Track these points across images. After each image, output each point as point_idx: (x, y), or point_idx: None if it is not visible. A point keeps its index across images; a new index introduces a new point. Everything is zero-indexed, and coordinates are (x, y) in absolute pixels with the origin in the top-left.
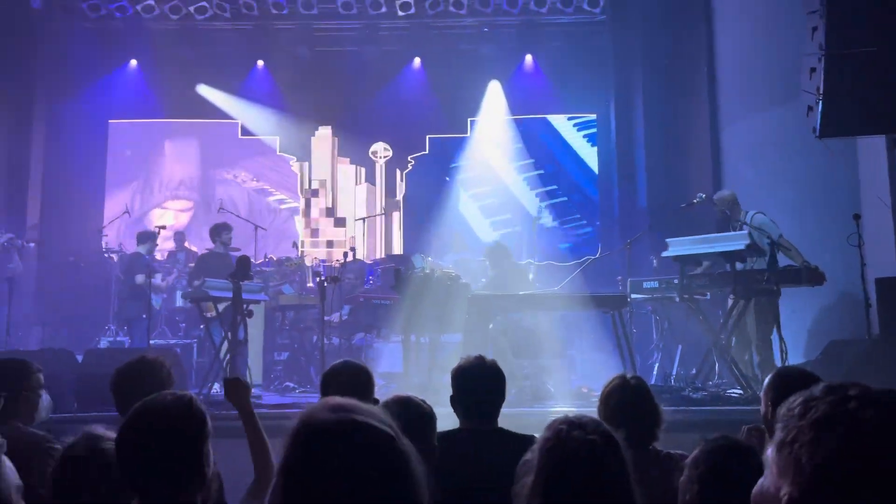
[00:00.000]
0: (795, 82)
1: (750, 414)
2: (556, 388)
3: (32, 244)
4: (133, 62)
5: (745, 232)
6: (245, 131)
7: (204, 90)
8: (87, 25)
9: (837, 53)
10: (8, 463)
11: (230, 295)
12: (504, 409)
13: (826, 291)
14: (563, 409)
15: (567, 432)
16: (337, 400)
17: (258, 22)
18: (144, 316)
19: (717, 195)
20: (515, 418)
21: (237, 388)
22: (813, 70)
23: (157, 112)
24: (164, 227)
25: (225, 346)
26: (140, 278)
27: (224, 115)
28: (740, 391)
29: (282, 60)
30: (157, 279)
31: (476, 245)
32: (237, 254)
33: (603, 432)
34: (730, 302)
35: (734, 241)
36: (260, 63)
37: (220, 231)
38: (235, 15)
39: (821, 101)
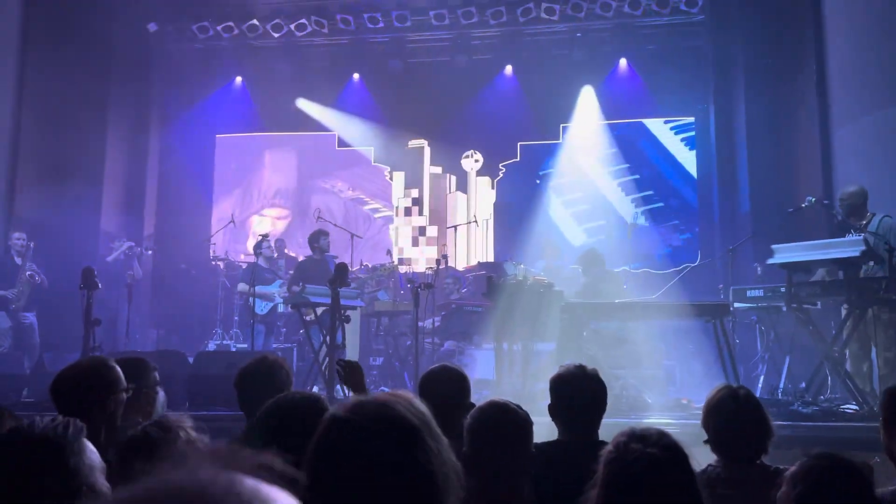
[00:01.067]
0: None
1: (865, 431)
2: (654, 399)
3: (150, 252)
4: (238, 79)
5: (861, 238)
6: (341, 143)
7: (302, 104)
8: (196, 46)
9: None
10: (89, 445)
11: (328, 301)
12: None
13: None
14: (660, 420)
15: (626, 445)
16: (373, 395)
17: (354, 36)
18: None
19: (844, 190)
20: (612, 428)
21: (353, 371)
22: None
23: (259, 125)
24: (266, 236)
25: (324, 350)
26: (242, 286)
27: (321, 128)
28: (856, 407)
29: (376, 73)
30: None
31: (568, 252)
32: (335, 261)
33: (666, 445)
34: (843, 312)
35: (848, 247)
36: (356, 76)
37: (318, 237)
38: (333, 30)
39: None
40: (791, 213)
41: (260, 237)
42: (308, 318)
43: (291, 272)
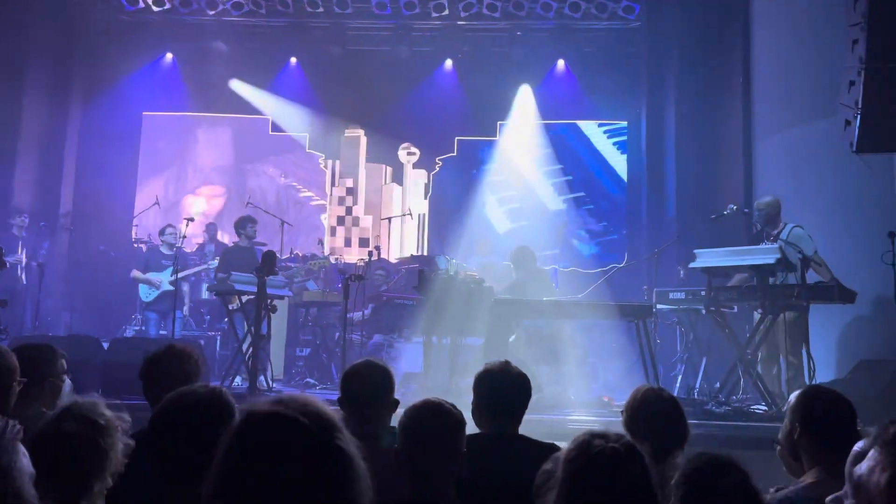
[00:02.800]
0: (834, 96)
1: (773, 431)
2: (577, 396)
3: (67, 230)
4: (168, 56)
5: (777, 246)
6: (275, 127)
7: (237, 85)
8: (124, 18)
9: (878, 67)
10: (22, 449)
11: (254, 289)
12: (526, 416)
13: (858, 309)
14: (582, 417)
15: (589, 441)
16: (285, 395)
17: (293, 19)
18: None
19: (760, 200)
20: (534, 425)
21: None
22: (852, 84)
23: (190, 105)
24: (192, 220)
25: (248, 339)
26: (133, 272)
27: (255, 111)
28: (765, 407)
29: (314, 58)
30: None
31: (500, 249)
32: (263, 248)
33: (626, 442)
34: (757, 316)
35: (764, 254)
36: (293, 60)
37: (244, 224)
38: (271, 11)
39: (859, 116)
40: (713, 220)
41: (185, 221)
42: (232, 307)
43: (218, 258)
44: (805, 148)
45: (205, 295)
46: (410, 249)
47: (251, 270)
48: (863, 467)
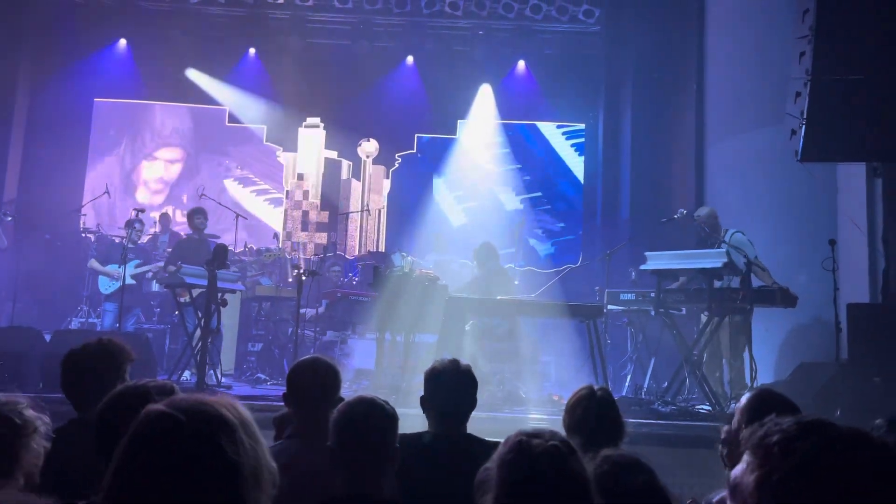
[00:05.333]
0: (782, 105)
1: (716, 430)
2: (528, 394)
3: (9, 219)
4: (122, 42)
5: (723, 250)
6: (232, 118)
7: (193, 74)
8: (77, 2)
9: (823, 79)
10: None
11: (205, 282)
12: (476, 414)
13: (799, 313)
14: (533, 415)
15: (527, 441)
16: (180, 396)
17: (252, 9)
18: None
19: (698, 211)
20: (485, 422)
21: None
22: (798, 94)
23: (145, 93)
24: (142, 211)
25: (198, 333)
26: (91, 262)
27: (212, 101)
28: (709, 407)
29: (274, 50)
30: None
31: (457, 247)
32: (217, 241)
33: (561, 438)
34: (703, 318)
35: (712, 258)
36: (251, 51)
37: (193, 216)
38: (230, 1)
39: (804, 126)
40: (664, 223)
41: (134, 212)
42: (182, 300)
43: (170, 250)
44: (753, 154)
45: (155, 287)
46: (369, 246)
47: (203, 263)
48: (738, 469)
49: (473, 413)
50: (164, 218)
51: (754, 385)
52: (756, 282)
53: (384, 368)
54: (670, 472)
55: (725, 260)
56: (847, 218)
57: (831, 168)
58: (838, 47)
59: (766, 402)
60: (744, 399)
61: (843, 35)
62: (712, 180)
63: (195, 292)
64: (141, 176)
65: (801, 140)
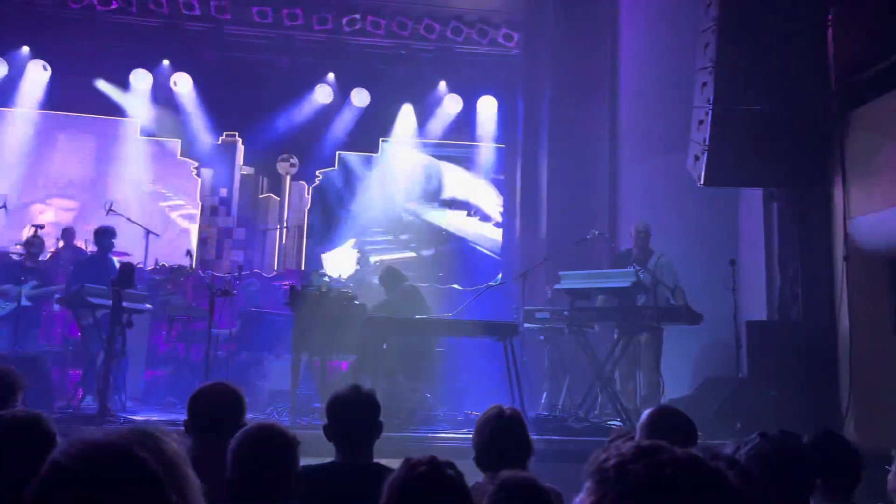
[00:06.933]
0: (688, 132)
1: None
2: (446, 413)
3: None
4: (25, 49)
5: (632, 270)
6: (144, 131)
7: (103, 85)
8: None
9: (723, 109)
10: None
11: (110, 303)
12: (390, 434)
13: (706, 331)
14: (451, 434)
15: (414, 466)
16: (116, 433)
17: (166, 20)
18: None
19: (639, 223)
20: (403, 443)
21: None
22: (701, 122)
23: (49, 103)
24: (41, 227)
25: (101, 357)
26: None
27: (122, 113)
28: (620, 423)
29: (189, 62)
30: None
31: (377, 266)
32: (125, 260)
33: (447, 462)
34: (615, 336)
35: (621, 278)
36: (165, 62)
37: (103, 235)
38: (142, 10)
39: (706, 152)
40: (577, 244)
41: (33, 228)
42: (86, 322)
43: (72, 268)
44: (663, 178)
45: (56, 308)
46: (288, 264)
47: (108, 284)
48: (578, 498)
49: (389, 434)
50: (68, 233)
51: (661, 401)
52: (673, 302)
53: (301, 389)
54: (580, 486)
55: (634, 279)
56: (747, 240)
57: (733, 192)
58: (736, 79)
59: (664, 419)
60: (644, 416)
61: (740, 67)
62: (626, 203)
63: (99, 313)
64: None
65: (704, 166)
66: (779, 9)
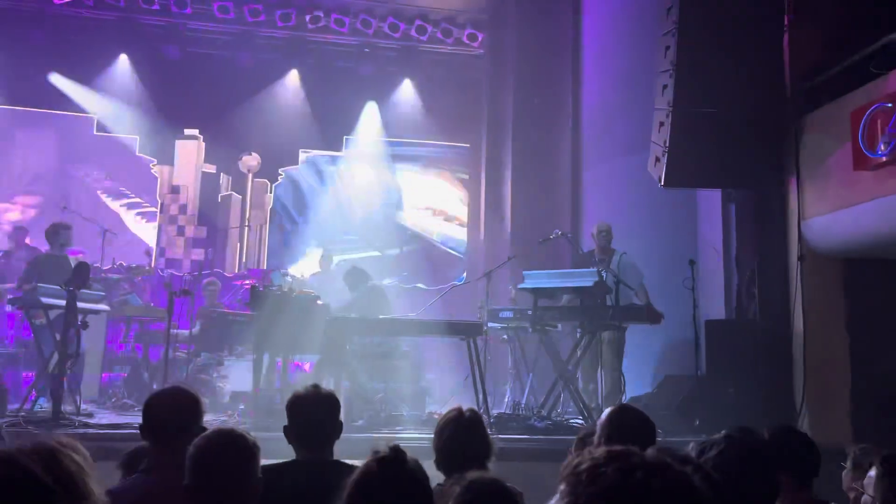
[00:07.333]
0: (649, 134)
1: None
2: (410, 413)
3: None
4: None
5: (594, 270)
6: (100, 127)
7: (57, 79)
8: None
9: (683, 111)
10: None
11: (63, 303)
12: (354, 434)
13: (666, 330)
14: (414, 434)
15: (380, 460)
16: (20, 448)
17: (123, 14)
18: None
19: (601, 224)
20: (366, 443)
21: None
22: (662, 124)
23: (3, 98)
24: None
25: (55, 358)
26: None
27: (78, 108)
28: (582, 421)
29: (148, 57)
30: None
31: (340, 265)
32: (79, 257)
33: (413, 460)
34: (578, 334)
35: (583, 277)
36: (123, 57)
37: (57, 231)
38: (98, 4)
39: (666, 154)
40: (541, 243)
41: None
42: (38, 322)
43: (25, 267)
44: (624, 179)
45: (8, 308)
46: (250, 263)
47: (62, 283)
48: (554, 499)
49: (352, 434)
50: (19, 232)
51: (623, 399)
52: (636, 300)
53: (263, 390)
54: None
55: (596, 279)
56: (706, 240)
57: (692, 193)
58: (696, 82)
59: (624, 418)
60: (604, 415)
61: (700, 71)
62: (588, 203)
63: (53, 314)
64: None
65: (664, 167)
66: (738, 14)
